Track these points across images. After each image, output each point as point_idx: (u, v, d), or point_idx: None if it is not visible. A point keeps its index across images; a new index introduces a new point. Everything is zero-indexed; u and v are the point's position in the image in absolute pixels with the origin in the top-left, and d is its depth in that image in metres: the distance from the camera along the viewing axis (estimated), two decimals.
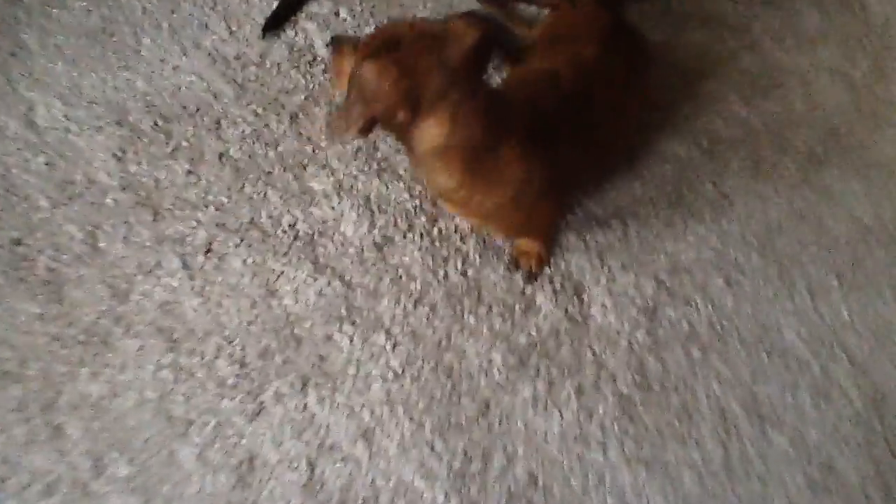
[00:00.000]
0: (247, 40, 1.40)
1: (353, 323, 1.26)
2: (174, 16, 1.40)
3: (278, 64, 1.39)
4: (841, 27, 1.56)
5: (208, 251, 1.26)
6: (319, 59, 1.40)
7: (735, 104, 1.47)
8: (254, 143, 1.34)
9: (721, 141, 1.44)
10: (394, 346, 1.25)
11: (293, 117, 1.36)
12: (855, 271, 1.38)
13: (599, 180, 1.27)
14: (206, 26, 1.40)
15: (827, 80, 1.51)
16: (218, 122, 1.34)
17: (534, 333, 1.28)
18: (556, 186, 1.08)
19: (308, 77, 1.39)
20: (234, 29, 1.41)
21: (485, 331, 1.27)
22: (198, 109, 1.34)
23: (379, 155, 1.35)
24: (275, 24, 1.39)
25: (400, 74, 0.90)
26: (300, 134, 1.35)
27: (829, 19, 1.56)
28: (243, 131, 1.34)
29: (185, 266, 1.24)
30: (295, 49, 1.40)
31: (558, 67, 1.15)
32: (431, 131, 0.93)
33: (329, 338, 1.24)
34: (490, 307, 1.29)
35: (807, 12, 1.56)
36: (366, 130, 0.92)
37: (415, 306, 1.28)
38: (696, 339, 1.30)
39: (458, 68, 0.91)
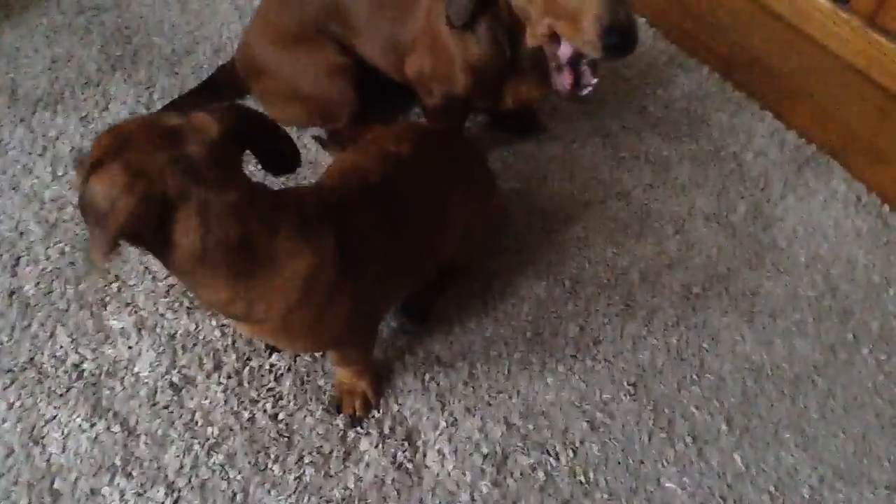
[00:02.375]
0: (69, 184, 1.32)
1: (129, 475, 1.03)
2: None
3: None
4: (716, 177, 1.49)
5: None
6: None
7: (604, 249, 1.35)
8: (53, 280, 1.20)
9: (588, 283, 1.30)
10: (175, 503, 1.01)
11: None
12: (747, 414, 1.17)
13: (413, 286, 1.11)
14: (30, 171, 1.33)
15: (703, 225, 1.41)
16: (17, 260, 1.22)
17: (351, 486, 1.04)
18: (355, 285, 0.93)
19: None
20: (59, 173, 1.33)
21: (291, 482, 1.04)
22: None
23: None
24: None
25: (131, 179, 0.77)
26: (107, 272, 1.22)
27: (703, 170, 1.50)
28: (43, 269, 1.21)
29: None
30: None
31: (366, 161, 1.05)
32: (182, 236, 0.79)
33: (95, 492, 1.01)
34: (302, 455, 1.07)
35: (678, 165, 1.50)
36: (114, 252, 0.78)
37: (208, 455, 1.06)
38: (555, 491, 1.06)
39: (200, 164, 0.78)
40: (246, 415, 1.09)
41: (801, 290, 1.34)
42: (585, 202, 1.42)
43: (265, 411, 1.10)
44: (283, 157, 0.90)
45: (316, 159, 1.41)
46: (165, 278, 1.22)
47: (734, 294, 1.32)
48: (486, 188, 1.22)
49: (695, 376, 1.21)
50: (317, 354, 1.16)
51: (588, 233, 1.37)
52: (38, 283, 1.20)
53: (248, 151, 0.85)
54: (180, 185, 0.77)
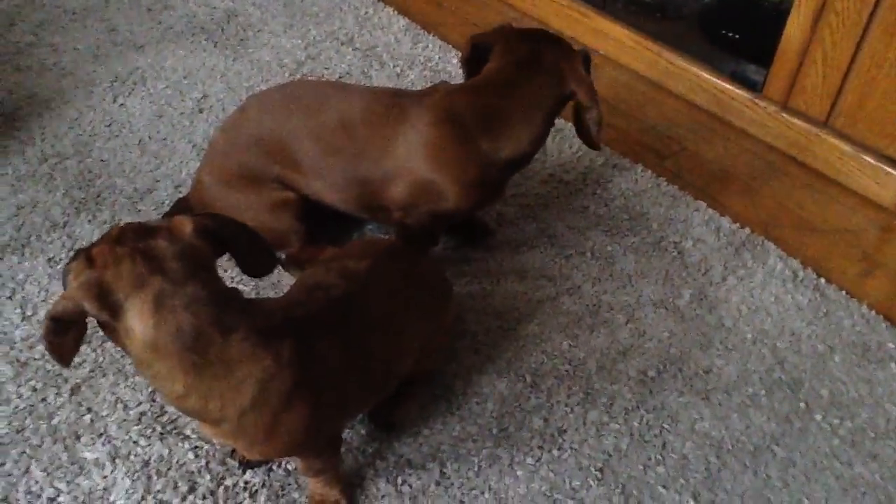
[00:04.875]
0: (39, 323, 1.36)
1: None
2: None
3: None
4: (659, 267, 1.57)
5: None
6: None
7: (560, 342, 1.41)
8: (25, 418, 1.22)
9: (548, 376, 1.35)
10: None
11: (74, 389, 1.26)
12: (712, 488, 1.21)
13: (374, 400, 1.15)
14: (0, 313, 1.37)
15: (652, 312, 1.48)
16: None
17: None
18: (314, 395, 0.97)
19: (99, 351, 1.32)
20: (28, 314, 1.37)
21: None
22: None
23: (165, 418, 1.23)
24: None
25: (85, 264, 0.84)
26: (80, 405, 1.24)
27: (647, 261, 1.58)
28: (15, 407, 1.23)
29: None
30: (91, 327, 1.35)
31: (329, 277, 1.11)
32: (135, 325, 0.84)
33: None
34: None
35: (623, 258, 1.58)
36: (71, 338, 0.84)
37: None
38: None
39: (164, 256, 0.85)
40: None
41: (752, 365, 1.40)
42: (538, 300, 1.49)
43: None
44: (259, 259, 0.97)
45: (279, 280, 1.47)
46: (137, 406, 1.25)
47: (688, 375, 1.38)
48: (443, 299, 1.28)
49: (659, 456, 1.25)
50: (289, 467, 1.18)
51: (543, 328, 1.44)
52: (11, 422, 1.22)
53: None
54: (137, 273, 0.83)
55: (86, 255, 0.85)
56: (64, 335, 0.84)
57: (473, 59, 1.43)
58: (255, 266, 0.97)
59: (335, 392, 1.01)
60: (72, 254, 0.84)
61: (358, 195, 1.39)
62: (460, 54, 1.44)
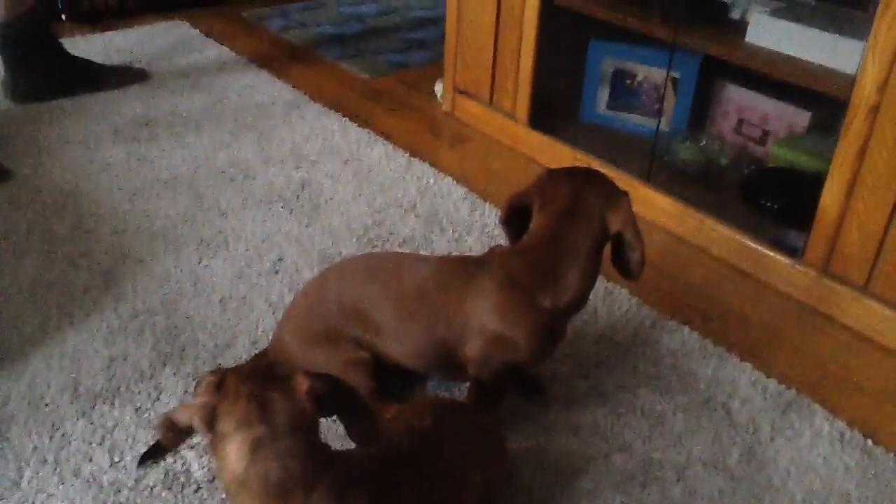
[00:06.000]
0: (125, 468, 1.47)
1: None
2: (62, 451, 1.49)
3: (151, 487, 1.43)
4: (708, 426, 1.63)
5: None
6: (193, 480, 1.44)
7: (613, 498, 1.47)
8: None
9: None
10: None
11: None
12: None
13: None
14: (90, 458, 1.48)
15: (702, 471, 1.53)
16: None
17: None
18: None
19: (179, 496, 1.42)
20: (115, 460, 1.48)
21: None
22: None
23: None
24: (154, 454, 1.47)
25: (213, 388, 0.97)
26: None
27: (696, 420, 1.64)
28: None
29: None
30: (170, 473, 1.46)
31: (394, 434, 1.21)
32: (231, 457, 0.96)
33: None
34: None
35: (672, 417, 1.65)
36: (179, 435, 1.00)
37: None
38: None
39: (273, 408, 0.97)
40: None
41: None
42: (590, 456, 1.55)
43: None
44: (363, 428, 1.07)
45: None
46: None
47: None
48: (499, 451, 1.36)
49: None
50: None
51: (597, 484, 1.49)
52: None
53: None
54: (248, 415, 0.95)
55: (219, 380, 0.98)
56: (173, 432, 0.99)
57: (514, 219, 1.55)
58: (359, 433, 1.07)
59: None
60: (209, 372, 1.00)
61: (435, 356, 1.52)
62: (499, 215, 1.56)
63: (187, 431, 0.99)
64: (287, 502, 0.97)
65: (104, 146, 2.60)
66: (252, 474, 0.96)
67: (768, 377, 1.76)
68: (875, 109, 1.77)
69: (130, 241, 2.13)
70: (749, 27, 2.24)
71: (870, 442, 1.61)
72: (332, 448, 1.07)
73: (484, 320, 1.46)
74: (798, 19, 2.15)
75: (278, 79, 3.17)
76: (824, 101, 2.03)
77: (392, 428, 1.24)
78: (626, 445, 1.58)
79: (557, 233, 1.46)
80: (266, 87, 3.10)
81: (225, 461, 0.97)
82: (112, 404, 1.61)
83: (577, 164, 2.17)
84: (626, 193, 1.51)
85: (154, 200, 2.32)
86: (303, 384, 1.00)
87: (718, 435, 1.61)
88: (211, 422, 0.96)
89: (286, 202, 2.34)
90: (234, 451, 0.96)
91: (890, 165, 1.77)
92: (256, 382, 0.99)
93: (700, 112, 2.63)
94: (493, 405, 1.59)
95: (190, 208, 2.29)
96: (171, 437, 1.01)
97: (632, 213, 1.49)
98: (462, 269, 1.51)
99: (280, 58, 3.46)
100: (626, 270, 1.52)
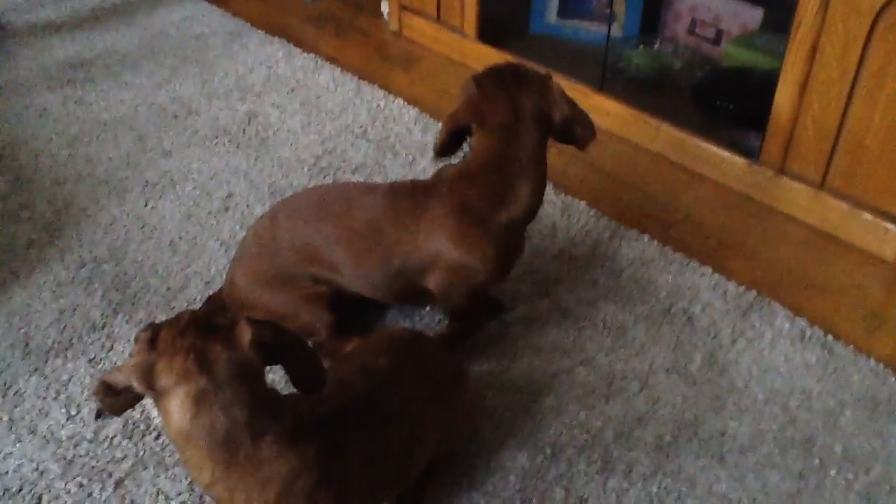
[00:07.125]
0: (82, 421, 1.44)
1: None
2: (16, 409, 1.46)
3: (111, 437, 1.41)
4: (670, 333, 1.63)
5: None
6: (153, 428, 1.42)
7: (578, 413, 1.47)
8: None
9: (566, 447, 1.41)
10: None
11: (118, 483, 1.34)
12: None
13: (400, 488, 1.21)
14: (46, 414, 1.45)
15: (665, 379, 1.54)
16: (39, 498, 1.32)
17: None
18: (337, 492, 1.04)
19: (140, 444, 1.40)
20: (72, 413, 1.46)
21: None
22: (20, 489, 1.33)
23: None
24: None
25: (148, 345, 0.93)
26: (124, 498, 1.32)
27: (658, 328, 1.64)
28: (64, 503, 1.31)
29: None
30: (130, 422, 1.43)
31: (350, 375, 1.18)
32: (174, 413, 0.93)
33: None
34: None
35: (634, 327, 1.65)
36: (122, 399, 0.96)
37: None
38: None
39: (216, 360, 0.93)
40: None
41: (764, 424, 1.45)
42: (554, 372, 1.55)
43: None
44: (308, 376, 1.04)
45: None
46: (178, 496, 1.32)
47: (703, 438, 1.43)
48: (459, 384, 1.34)
49: None
50: None
51: (561, 400, 1.49)
52: None
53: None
54: (187, 368, 0.91)
55: (152, 335, 0.94)
56: (114, 396, 0.95)
57: (451, 146, 1.49)
58: (304, 382, 1.04)
59: (359, 486, 1.07)
60: (142, 329, 0.95)
61: (395, 287, 1.50)
62: (435, 146, 1.49)
63: (131, 394, 0.95)
64: (235, 452, 0.95)
65: (38, 91, 2.48)
66: (197, 427, 0.93)
67: (728, 280, 1.76)
68: (825, 5, 1.72)
69: (73, 189, 2.05)
70: None
71: (830, 337, 1.62)
72: (283, 394, 1.04)
73: (441, 249, 1.42)
74: None
75: (217, 8, 3.03)
76: None
77: (346, 368, 1.21)
78: (588, 359, 1.58)
79: (504, 150, 1.42)
80: (205, 18, 2.96)
81: (169, 417, 0.93)
82: (65, 357, 1.57)
83: None
84: (549, 76, 1.45)
85: (95, 145, 2.23)
86: (245, 333, 0.96)
87: (680, 342, 1.62)
88: (150, 380, 0.92)
89: (232, 137, 2.27)
90: (177, 406, 0.92)
91: (842, 60, 1.74)
92: (195, 334, 0.94)
93: (652, 15, 2.55)
94: (472, 331, 1.59)
95: (133, 150, 2.21)
96: (113, 401, 0.97)
97: (563, 92, 1.43)
98: (412, 198, 1.47)
99: None
100: (578, 142, 1.47)
